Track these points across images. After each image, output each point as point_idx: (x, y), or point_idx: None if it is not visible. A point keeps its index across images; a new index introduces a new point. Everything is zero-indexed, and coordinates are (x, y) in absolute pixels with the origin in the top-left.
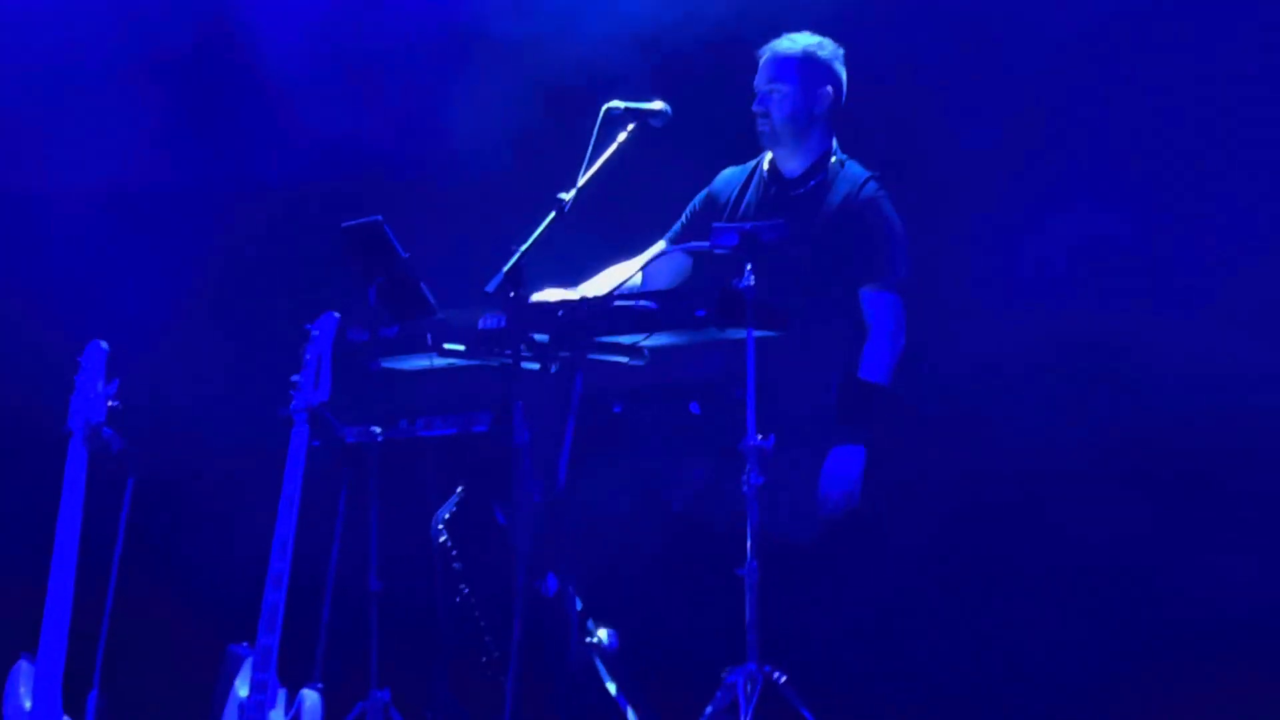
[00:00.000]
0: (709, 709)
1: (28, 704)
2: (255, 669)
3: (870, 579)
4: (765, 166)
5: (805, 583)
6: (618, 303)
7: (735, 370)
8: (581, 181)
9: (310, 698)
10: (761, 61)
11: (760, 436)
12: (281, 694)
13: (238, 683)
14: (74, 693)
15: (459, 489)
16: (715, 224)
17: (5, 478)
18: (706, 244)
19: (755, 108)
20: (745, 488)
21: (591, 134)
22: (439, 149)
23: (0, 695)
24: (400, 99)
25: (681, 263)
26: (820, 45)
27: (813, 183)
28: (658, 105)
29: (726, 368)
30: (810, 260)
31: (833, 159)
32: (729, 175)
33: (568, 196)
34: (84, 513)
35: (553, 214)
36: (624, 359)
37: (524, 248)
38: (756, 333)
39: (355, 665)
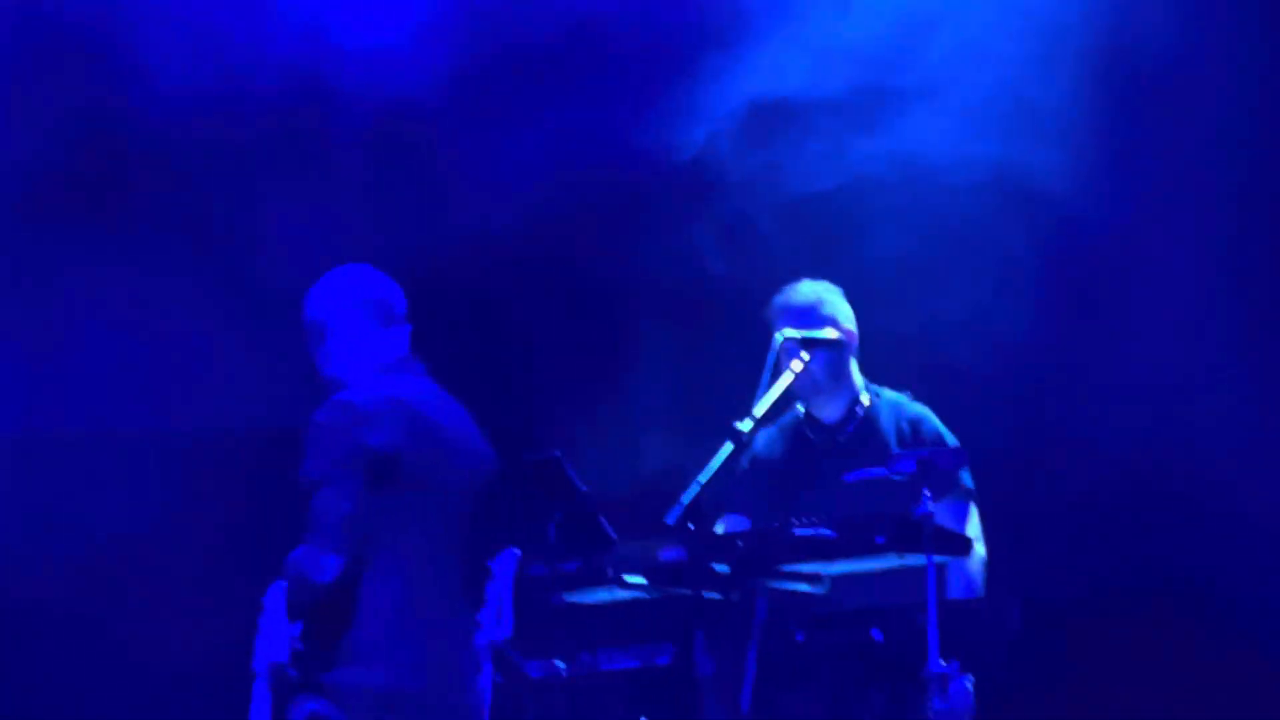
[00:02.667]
0: None
1: None
2: None
3: None
4: (802, 417)
5: None
6: (798, 532)
7: (917, 596)
8: (758, 412)
9: None
10: (783, 310)
11: (943, 662)
12: None
13: None
14: None
15: (643, 719)
16: (894, 451)
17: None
18: (884, 470)
19: (786, 360)
20: (929, 714)
21: (767, 362)
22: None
23: None
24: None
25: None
26: (830, 287)
27: (856, 424)
28: (830, 334)
29: (908, 594)
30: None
31: (865, 396)
32: (767, 436)
33: (744, 427)
34: None
35: (730, 446)
36: (805, 587)
37: (703, 479)
38: (936, 558)
39: None
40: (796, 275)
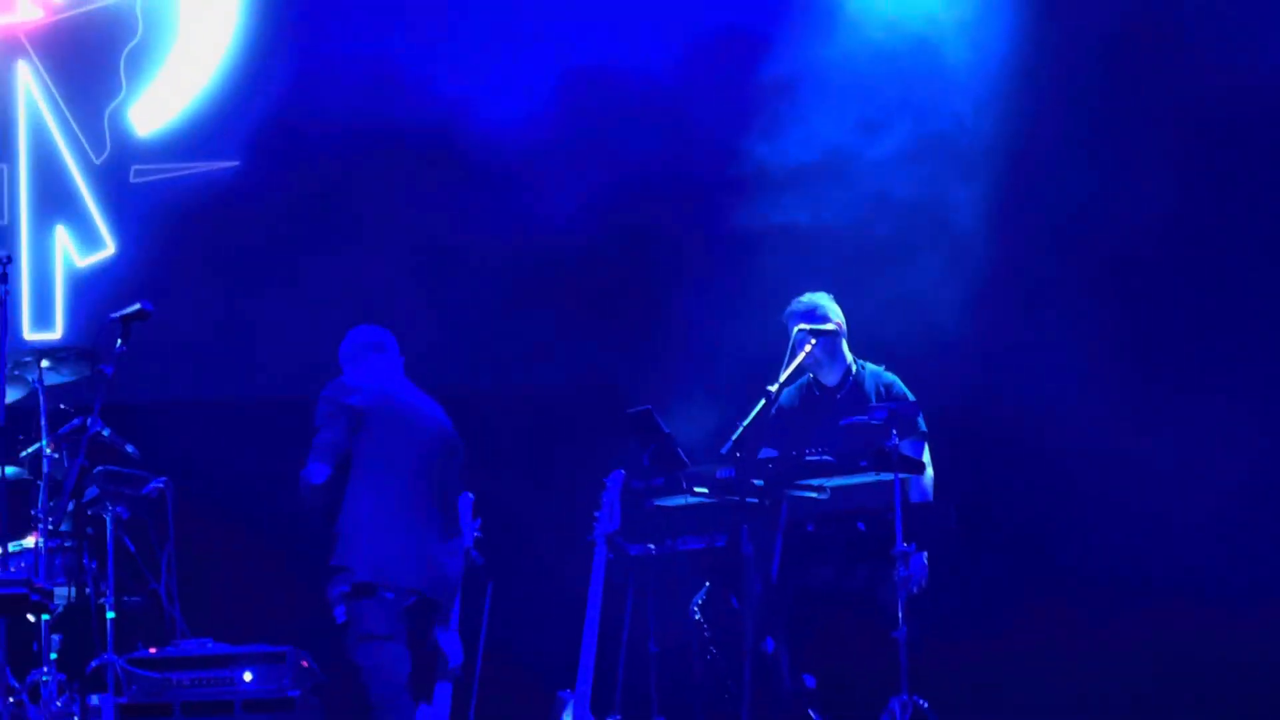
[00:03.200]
0: None
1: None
2: (576, 707)
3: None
4: (811, 380)
5: (937, 641)
6: (808, 458)
7: (887, 501)
8: (782, 378)
9: None
10: (797, 312)
11: (905, 544)
12: None
13: (564, 716)
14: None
15: (706, 584)
16: (873, 404)
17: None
18: (866, 418)
19: (800, 345)
20: (897, 578)
21: (788, 346)
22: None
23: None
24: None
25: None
26: (827, 296)
27: (846, 388)
28: (829, 327)
29: (882, 499)
30: (871, 431)
31: (854, 366)
32: (789, 392)
33: (774, 388)
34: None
35: (763, 401)
36: (813, 495)
37: (745, 424)
38: (900, 476)
39: (641, 702)
40: (804, 286)
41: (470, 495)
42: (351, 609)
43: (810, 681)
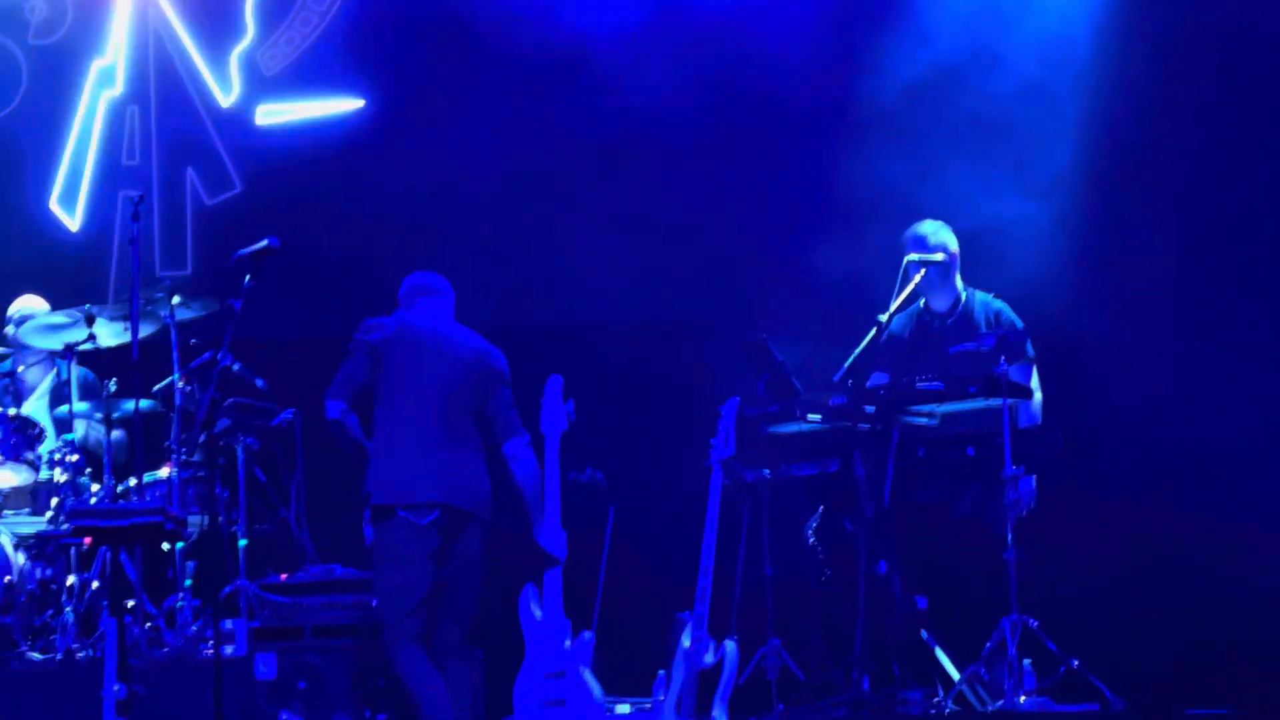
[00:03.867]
0: (988, 645)
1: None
2: (694, 628)
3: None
4: (922, 307)
5: (1045, 563)
6: (919, 385)
7: (996, 426)
8: (893, 307)
9: (730, 646)
10: (911, 240)
11: (1014, 467)
12: (710, 644)
13: (683, 637)
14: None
15: (820, 508)
16: (983, 331)
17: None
18: (975, 344)
19: (914, 271)
20: (1006, 501)
21: (898, 275)
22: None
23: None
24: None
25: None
26: (941, 224)
27: (958, 313)
28: (939, 257)
29: (991, 424)
30: (981, 358)
31: (964, 293)
32: (899, 319)
33: (884, 318)
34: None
35: (874, 330)
36: (924, 420)
37: (856, 352)
38: (1009, 401)
39: (757, 624)
40: (897, 218)
41: (559, 378)
42: (374, 532)
43: (922, 602)
